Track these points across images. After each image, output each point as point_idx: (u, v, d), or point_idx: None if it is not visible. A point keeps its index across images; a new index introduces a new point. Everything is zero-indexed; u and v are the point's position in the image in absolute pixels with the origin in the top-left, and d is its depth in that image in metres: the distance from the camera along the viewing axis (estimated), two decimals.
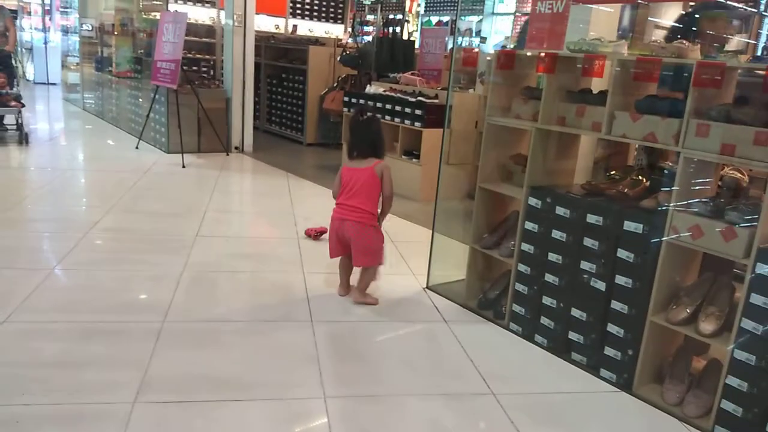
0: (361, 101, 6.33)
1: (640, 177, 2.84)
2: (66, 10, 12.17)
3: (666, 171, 2.80)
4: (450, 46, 7.56)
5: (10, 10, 7.85)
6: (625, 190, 2.73)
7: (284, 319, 3.00)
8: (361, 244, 3.11)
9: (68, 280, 3.27)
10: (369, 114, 3.26)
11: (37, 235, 3.95)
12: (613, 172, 3.13)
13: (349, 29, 11.49)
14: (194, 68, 8.63)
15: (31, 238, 3.86)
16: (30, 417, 2.07)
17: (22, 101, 6.73)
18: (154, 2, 8.27)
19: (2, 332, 2.62)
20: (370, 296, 3.24)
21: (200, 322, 2.89)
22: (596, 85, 2.91)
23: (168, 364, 2.47)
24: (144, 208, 4.78)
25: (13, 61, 7.05)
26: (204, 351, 2.62)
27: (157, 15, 7.30)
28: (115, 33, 9.18)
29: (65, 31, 12.04)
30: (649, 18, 5.28)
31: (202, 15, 9.40)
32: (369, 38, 10.06)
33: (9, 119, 7.03)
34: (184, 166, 6.25)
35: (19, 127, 6.73)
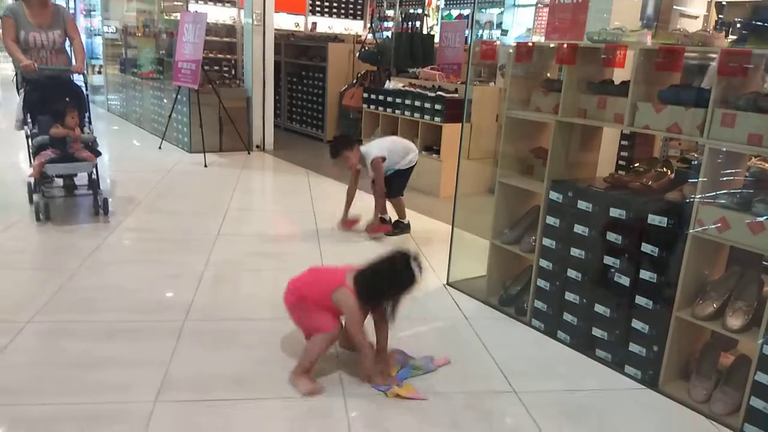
0: (381, 97, 6.31)
1: (665, 169, 2.77)
2: (90, 12, 12.35)
3: (692, 162, 2.73)
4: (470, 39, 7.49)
5: None
6: (649, 183, 2.67)
7: None
8: None
9: (91, 280, 3.31)
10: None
11: (62, 234, 4.00)
12: (636, 165, 3.06)
13: (369, 25, 11.45)
14: (216, 68, 8.69)
15: (56, 239, 3.92)
16: (50, 417, 2.10)
17: (98, 149, 4.47)
18: (175, 3, 8.34)
19: (26, 332, 2.66)
20: (305, 381, 2.39)
21: (221, 320, 2.90)
22: (618, 75, 2.84)
23: (189, 363, 2.49)
24: (167, 207, 4.83)
25: (84, 87, 4.61)
26: (224, 350, 2.63)
27: (179, 16, 7.37)
28: (138, 34, 9.30)
29: (89, 33, 12.22)
30: (674, 6, 5.15)
31: (222, 15, 9.46)
32: (388, 34, 10.01)
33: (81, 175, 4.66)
34: (206, 165, 6.30)
35: (93, 186, 4.43)
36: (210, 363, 2.50)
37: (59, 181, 4.68)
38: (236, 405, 2.23)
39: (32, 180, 4.29)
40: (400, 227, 4.50)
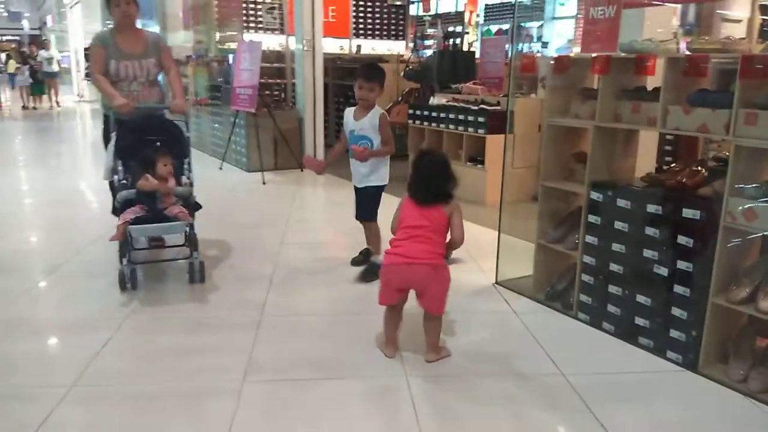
0: (425, 113, 6.61)
1: (699, 167, 2.97)
2: None
3: (723, 160, 2.92)
4: (510, 53, 7.74)
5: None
6: (684, 180, 2.87)
7: (365, 312, 3.27)
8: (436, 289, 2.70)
9: (176, 282, 3.69)
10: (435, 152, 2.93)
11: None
12: (673, 164, 3.26)
13: (410, 45, 11.83)
14: (267, 92, 9.18)
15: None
16: (155, 394, 2.46)
17: (196, 202, 3.76)
18: (230, 33, 8.89)
19: (126, 328, 3.05)
20: (444, 349, 2.83)
21: (292, 315, 3.25)
22: (651, 82, 3.07)
23: (269, 350, 2.83)
24: (234, 220, 5.24)
25: (185, 129, 3.86)
26: (298, 339, 2.96)
27: (232, 45, 7.90)
28: (192, 64, 9.90)
29: None
30: (717, 11, 5.26)
31: (272, 42, 9.98)
32: (430, 52, 10.34)
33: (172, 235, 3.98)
34: (264, 183, 6.73)
35: (191, 247, 3.63)
36: (286, 350, 2.84)
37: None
38: (314, 384, 2.55)
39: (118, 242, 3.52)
40: (369, 261, 3.88)
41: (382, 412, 2.39)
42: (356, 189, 3.87)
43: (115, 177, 3.70)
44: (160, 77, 4.07)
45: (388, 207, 3.10)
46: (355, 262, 4.00)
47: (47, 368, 2.68)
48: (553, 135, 3.36)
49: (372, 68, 3.73)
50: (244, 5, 9.33)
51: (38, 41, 19.35)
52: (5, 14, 31.78)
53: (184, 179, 3.74)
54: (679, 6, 5.00)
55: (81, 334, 2.97)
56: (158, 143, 3.66)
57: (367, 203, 3.82)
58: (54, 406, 2.34)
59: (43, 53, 15.89)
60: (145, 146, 3.64)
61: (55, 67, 16.03)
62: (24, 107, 16.02)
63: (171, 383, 2.53)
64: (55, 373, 2.61)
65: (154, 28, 12.03)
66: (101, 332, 2.97)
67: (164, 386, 2.50)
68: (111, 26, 3.93)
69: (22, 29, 33.14)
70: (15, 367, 2.67)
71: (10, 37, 31.40)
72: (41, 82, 16.01)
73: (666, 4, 4.53)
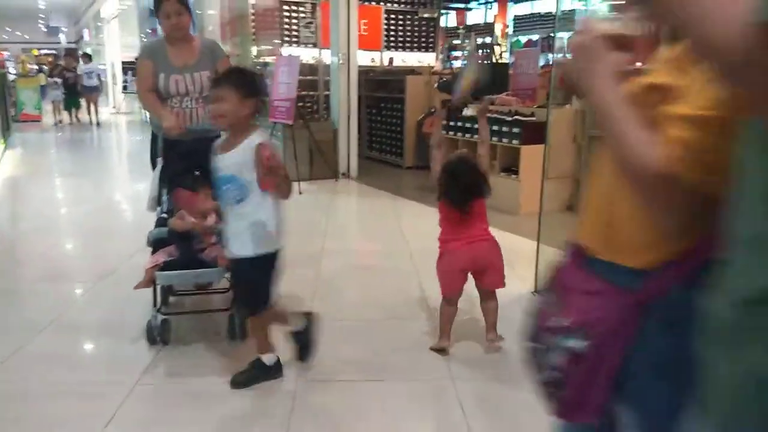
0: (459, 123, 6.72)
1: None
2: None
3: None
4: (542, 64, 7.80)
5: None
6: None
7: (409, 317, 3.39)
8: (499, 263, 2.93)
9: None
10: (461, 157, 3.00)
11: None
12: None
13: (440, 56, 11.98)
14: (299, 104, 9.38)
15: None
16: (217, 392, 2.61)
17: None
18: (268, 47, 9.12)
19: (182, 330, 3.20)
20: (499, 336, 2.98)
21: (338, 321, 3.35)
22: None
23: (319, 352, 2.93)
24: None
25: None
26: (344, 343, 3.08)
27: (268, 59, 8.11)
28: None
29: None
30: None
31: (305, 55, 10.21)
32: (458, 63, 10.45)
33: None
34: (300, 192, 6.88)
35: (235, 296, 3.01)
36: (333, 352, 2.95)
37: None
38: (362, 385, 2.67)
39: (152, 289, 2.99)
40: (302, 344, 2.75)
41: (430, 412, 2.50)
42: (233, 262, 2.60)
43: (158, 209, 3.25)
44: None
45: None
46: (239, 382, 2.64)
47: (111, 367, 2.85)
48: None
49: (225, 73, 2.64)
50: (279, 20, 9.57)
51: (74, 54, 18.85)
52: (44, 29, 32.89)
53: None
54: None
55: (140, 336, 3.12)
56: (198, 172, 2.96)
57: (253, 285, 2.58)
58: (121, 401, 2.50)
59: (82, 66, 14.90)
60: (195, 174, 3.01)
61: (94, 81, 14.89)
62: (56, 123, 14.76)
63: (229, 382, 2.66)
64: (119, 372, 2.77)
65: None
66: None
67: (222, 385, 2.64)
68: (163, 36, 3.49)
69: (59, 43, 34.23)
70: (80, 366, 2.85)
71: (46, 51, 32.51)
72: (76, 96, 14.64)
73: None
